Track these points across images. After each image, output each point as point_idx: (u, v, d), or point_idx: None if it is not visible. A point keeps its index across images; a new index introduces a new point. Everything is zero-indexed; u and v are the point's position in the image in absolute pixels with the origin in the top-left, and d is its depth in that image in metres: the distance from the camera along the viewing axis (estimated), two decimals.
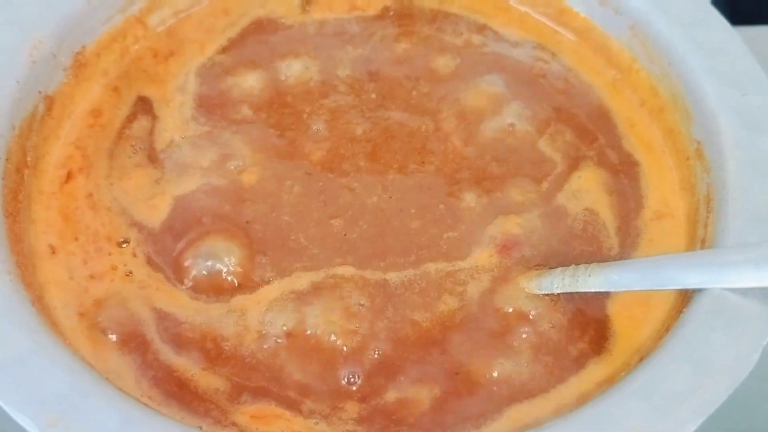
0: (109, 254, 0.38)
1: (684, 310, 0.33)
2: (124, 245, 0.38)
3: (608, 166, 0.42)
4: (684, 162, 0.41)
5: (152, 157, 0.41)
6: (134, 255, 0.37)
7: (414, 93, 0.44)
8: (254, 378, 0.35)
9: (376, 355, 0.35)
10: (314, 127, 0.42)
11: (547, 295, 0.37)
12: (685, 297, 0.35)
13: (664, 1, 0.44)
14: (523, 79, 0.45)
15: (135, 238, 0.38)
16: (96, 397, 0.30)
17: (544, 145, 0.43)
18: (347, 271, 0.37)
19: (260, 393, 0.34)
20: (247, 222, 0.39)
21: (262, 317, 0.36)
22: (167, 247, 0.38)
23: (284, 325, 0.36)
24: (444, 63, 0.46)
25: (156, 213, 0.39)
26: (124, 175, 0.40)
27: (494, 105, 0.44)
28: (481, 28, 0.47)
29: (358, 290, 0.37)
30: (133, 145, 0.41)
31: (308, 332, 0.35)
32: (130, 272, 0.37)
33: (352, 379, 0.34)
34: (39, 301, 0.34)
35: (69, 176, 0.40)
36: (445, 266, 0.38)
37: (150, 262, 0.37)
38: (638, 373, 0.31)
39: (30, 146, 0.39)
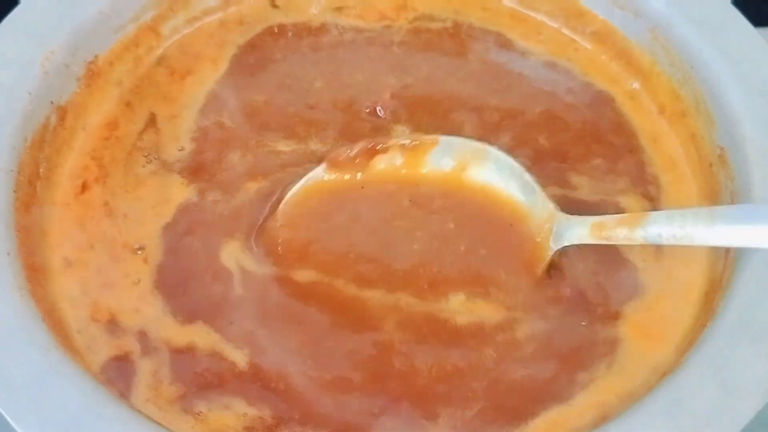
0: (125, 261, 0.37)
1: (708, 324, 0.33)
2: (139, 252, 0.38)
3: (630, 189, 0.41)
4: (707, 169, 0.40)
5: (166, 166, 0.40)
6: (145, 262, 0.37)
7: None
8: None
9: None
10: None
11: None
12: (709, 311, 0.34)
13: (686, 3, 0.42)
14: (541, 93, 0.44)
15: (149, 245, 0.38)
16: (109, 417, 0.29)
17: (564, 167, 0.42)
18: None
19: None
20: None
21: None
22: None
23: None
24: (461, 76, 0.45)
25: (168, 219, 0.39)
26: (139, 183, 0.40)
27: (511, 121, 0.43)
28: (497, 39, 0.46)
29: None
30: (146, 156, 0.41)
31: None
32: (139, 280, 0.37)
33: None
34: (50, 317, 0.34)
35: (84, 186, 0.40)
36: None
37: (159, 269, 0.37)
38: (661, 391, 0.30)
39: (43, 158, 0.39)
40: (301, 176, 0.39)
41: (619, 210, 0.40)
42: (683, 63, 0.42)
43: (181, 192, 0.39)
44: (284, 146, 0.41)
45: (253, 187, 0.40)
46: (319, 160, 0.39)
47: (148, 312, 0.36)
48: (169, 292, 0.36)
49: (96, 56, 0.42)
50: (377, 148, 0.38)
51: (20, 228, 0.36)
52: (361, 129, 0.42)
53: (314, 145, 0.41)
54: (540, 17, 0.47)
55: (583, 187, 0.40)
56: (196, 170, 0.40)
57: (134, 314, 0.36)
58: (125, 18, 0.43)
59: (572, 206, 0.39)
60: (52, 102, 0.39)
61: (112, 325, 0.35)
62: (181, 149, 0.41)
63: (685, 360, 0.31)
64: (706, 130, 0.41)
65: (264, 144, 0.42)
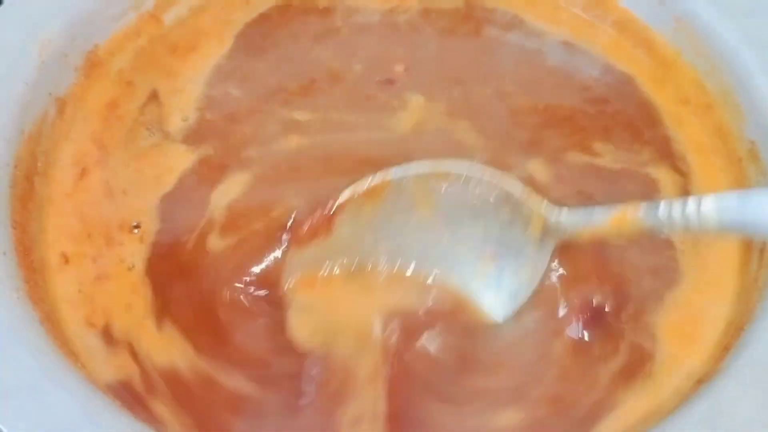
0: (120, 244, 0.36)
1: (745, 327, 0.31)
2: (136, 231, 0.36)
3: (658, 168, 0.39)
4: (736, 164, 0.39)
5: (169, 137, 0.39)
6: (141, 241, 0.36)
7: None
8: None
9: None
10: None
11: None
12: (745, 312, 0.32)
13: None
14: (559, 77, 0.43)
15: (145, 221, 0.37)
16: (107, 424, 0.28)
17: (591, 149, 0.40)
18: None
19: None
20: None
21: None
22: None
23: None
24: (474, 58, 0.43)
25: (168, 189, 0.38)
26: (140, 156, 0.39)
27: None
28: (513, 21, 0.45)
29: None
30: (148, 129, 0.40)
31: None
32: (133, 265, 0.36)
33: None
34: (48, 319, 0.32)
35: (84, 172, 0.38)
36: None
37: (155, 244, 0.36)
38: (699, 400, 0.29)
39: (40, 151, 0.37)
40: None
41: (648, 181, 0.39)
42: (710, 52, 0.40)
43: (182, 160, 0.38)
44: (288, 115, 0.40)
45: (256, 154, 0.39)
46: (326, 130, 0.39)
47: (138, 308, 0.34)
48: (157, 279, 0.35)
49: (96, 46, 0.41)
50: (332, 213, 0.35)
51: (16, 225, 0.34)
52: (374, 98, 0.41)
53: (324, 116, 0.40)
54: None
55: (608, 154, 0.39)
56: (199, 137, 0.39)
57: (125, 313, 0.34)
58: (126, 6, 0.42)
59: (595, 176, 0.38)
60: (50, 93, 0.38)
61: (107, 335, 0.34)
62: (185, 119, 0.40)
63: (724, 366, 0.30)
64: (734, 123, 0.39)
65: (268, 113, 0.40)
